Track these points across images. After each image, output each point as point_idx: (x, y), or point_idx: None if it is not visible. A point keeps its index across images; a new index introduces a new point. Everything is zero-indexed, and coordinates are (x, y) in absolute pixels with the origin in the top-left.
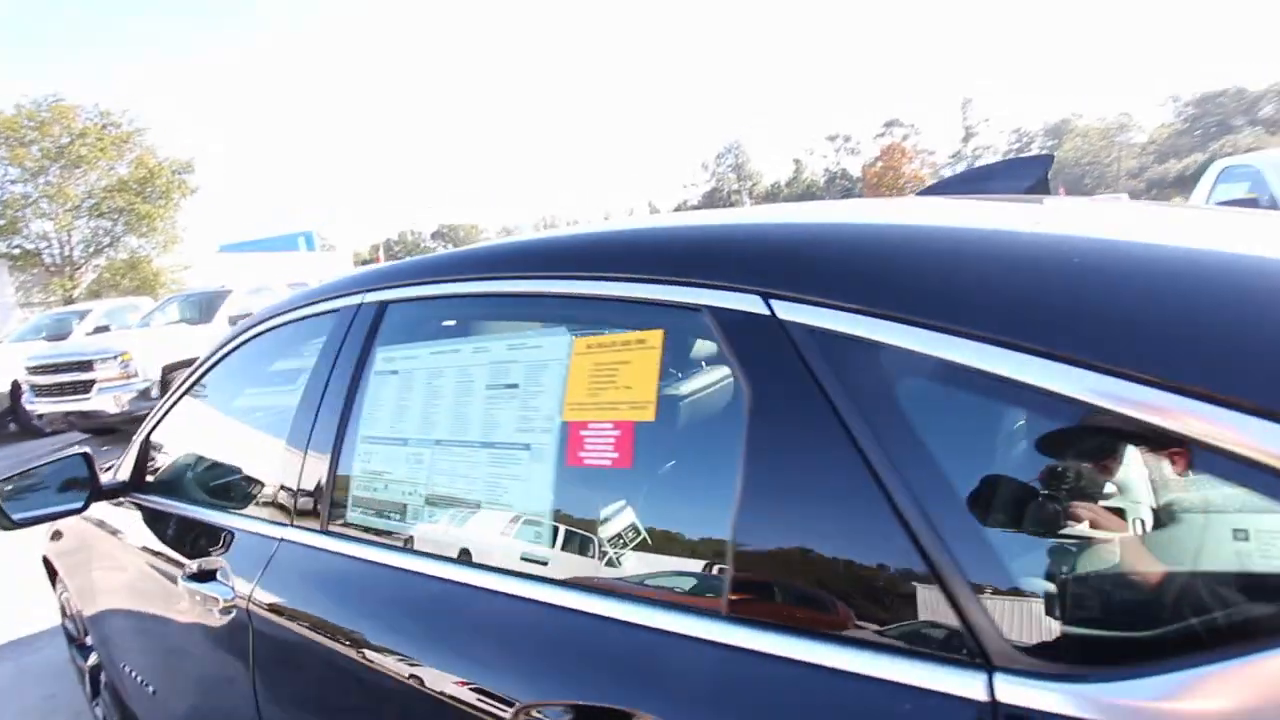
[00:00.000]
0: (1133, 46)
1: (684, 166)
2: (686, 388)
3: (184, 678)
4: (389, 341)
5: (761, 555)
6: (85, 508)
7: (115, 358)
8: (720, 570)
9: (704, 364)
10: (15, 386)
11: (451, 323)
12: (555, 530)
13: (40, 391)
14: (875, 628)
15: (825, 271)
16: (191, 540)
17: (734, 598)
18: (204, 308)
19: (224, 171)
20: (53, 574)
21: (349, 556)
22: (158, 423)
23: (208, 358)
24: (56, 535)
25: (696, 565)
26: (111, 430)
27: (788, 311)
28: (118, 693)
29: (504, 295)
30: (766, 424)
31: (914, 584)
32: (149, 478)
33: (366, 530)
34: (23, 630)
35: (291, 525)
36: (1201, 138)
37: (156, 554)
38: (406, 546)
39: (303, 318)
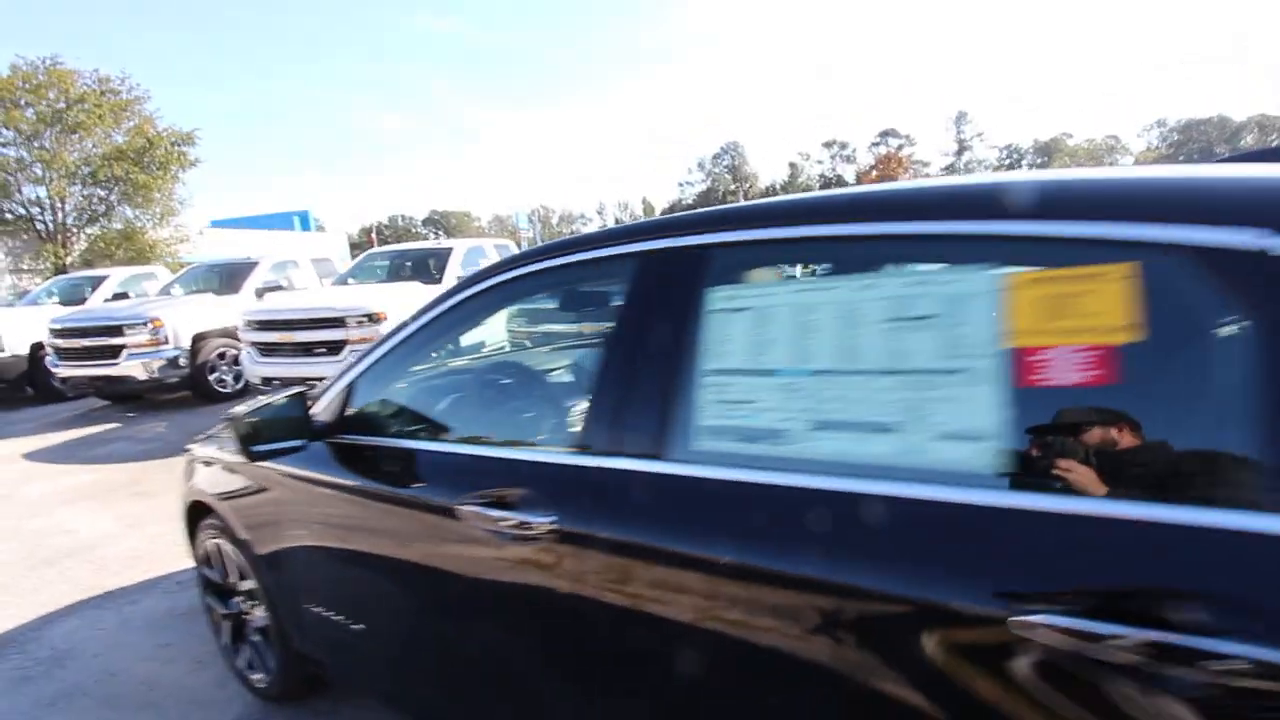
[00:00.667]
0: (1123, 71)
1: (678, 165)
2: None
3: (420, 611)
4: (728, 282)
5: None
6: (304, 447)
7: (146, 323)
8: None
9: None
10: (36, 349)
11: (818, 266)
12: (997, 445)
13: (64, 355)
14: None
15: None
16: (453, 474)
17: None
18: (228, 278)
19: (215, 145)
20: (198, 519)
21: (708, 479)
22: (367, 369)
23: (436, 307)
24: (212, 480)
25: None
26: (137, 396)
27: None
28: (285, 637)
29: (887, 237)
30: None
31: None
32: (365, 418)
33: (732, 455)
34: (111, 583)
35: (619, 454)
36: (1185, 163)
37: (395, 489)
38: (791, 468)
39: (568, 264)
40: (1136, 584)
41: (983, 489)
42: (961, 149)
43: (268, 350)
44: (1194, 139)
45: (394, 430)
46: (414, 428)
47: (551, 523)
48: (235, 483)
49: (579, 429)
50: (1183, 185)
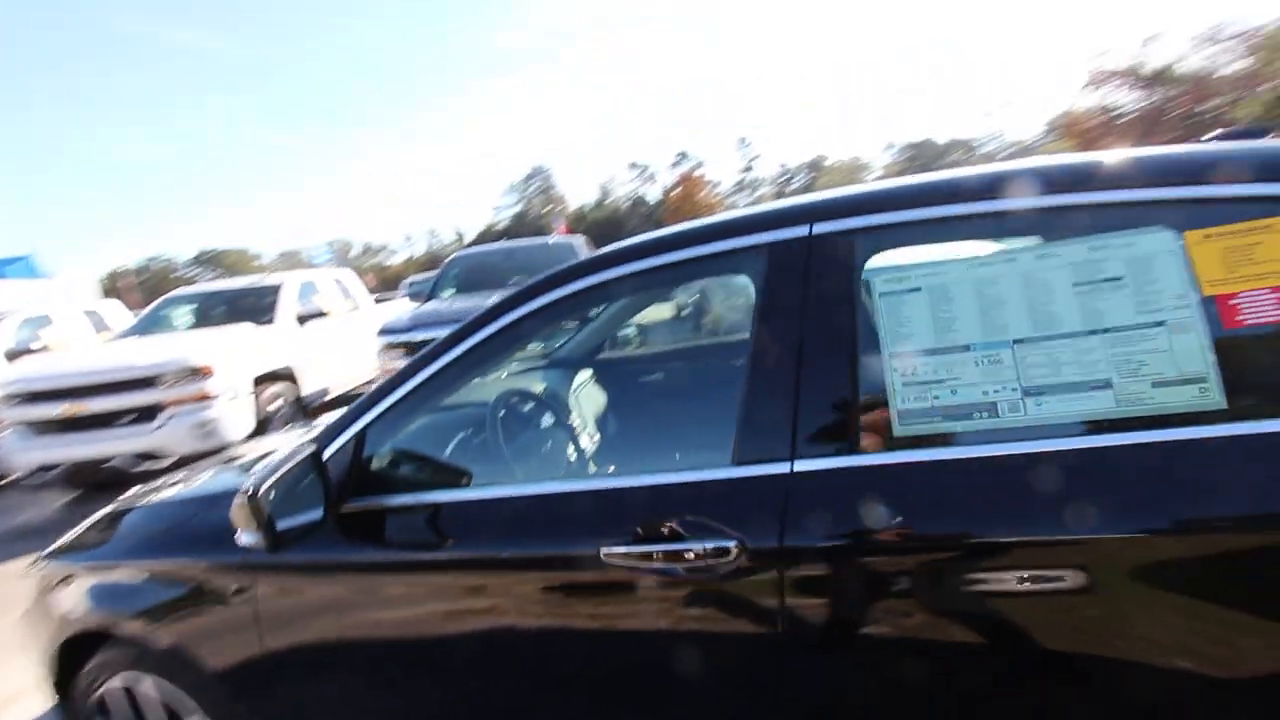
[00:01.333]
0: (865, 97)
1: (491, 188)
2: None
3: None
4: (895, 264)
5: None
6: (325, 519)
7: (192, 372)
8: None
9: None
10: None
11: (990, 241)
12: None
13: (44, 430)
14: None
15: None
16: (567, 517)
17: None
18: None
19: None
20: (78, 655)
21: (919, 463)
22: (387, 409)
23: (485, 327)
24: (118, 594)
25: None
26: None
27: None
28: None
29: (1071, 207)
30: None
31: None
32: (394, 471)
33: (942, 435)
34: None
35: (805, 457)
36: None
37: (481, 551)
38: (1014, 437)
39: (674, 263)
40: None
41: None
42: (747, 168)
43: (45, 429)
44: (916, 158)
45: (445, 480)
46: (480, 472)
47: (737, 546)
48: (179, 591)
49: (740, 439)
50: None
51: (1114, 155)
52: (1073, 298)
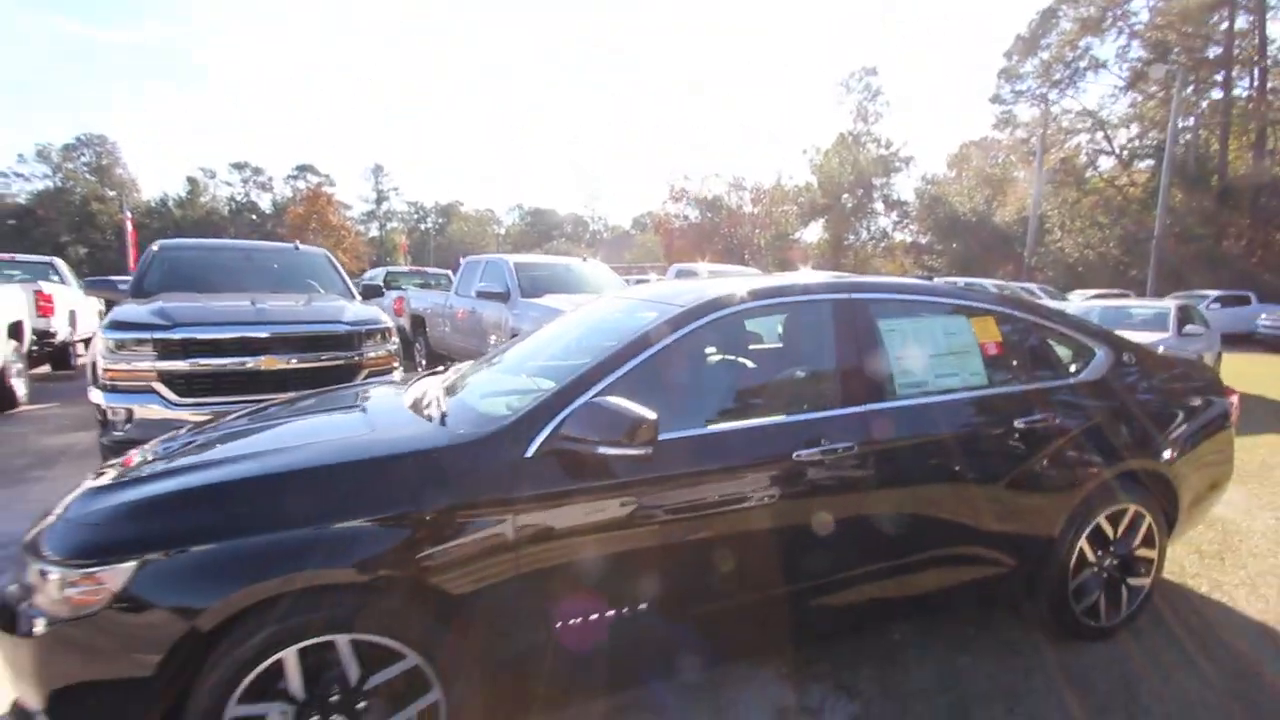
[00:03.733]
0: (504, 158)
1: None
2: None
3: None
4: (886, 315)
5: None
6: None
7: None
8: None
9: None
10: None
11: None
12: None
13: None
14: None
15: None
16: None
17: None
18: None
19: None
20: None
21: (903, 407)
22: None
23: (661, 335)
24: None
25: None
26: None
27: None
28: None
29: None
30: None
31: None
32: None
33: (894, 393)
34: None
35: (860, 402)
36: (536, 237)
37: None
38: (914, 396)
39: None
40: None
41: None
42: (380, 199)
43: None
44: (540, 222)
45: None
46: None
47: (848, 447)
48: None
49: (839, 395)
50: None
51: (938, 283)
52: (942, 339)
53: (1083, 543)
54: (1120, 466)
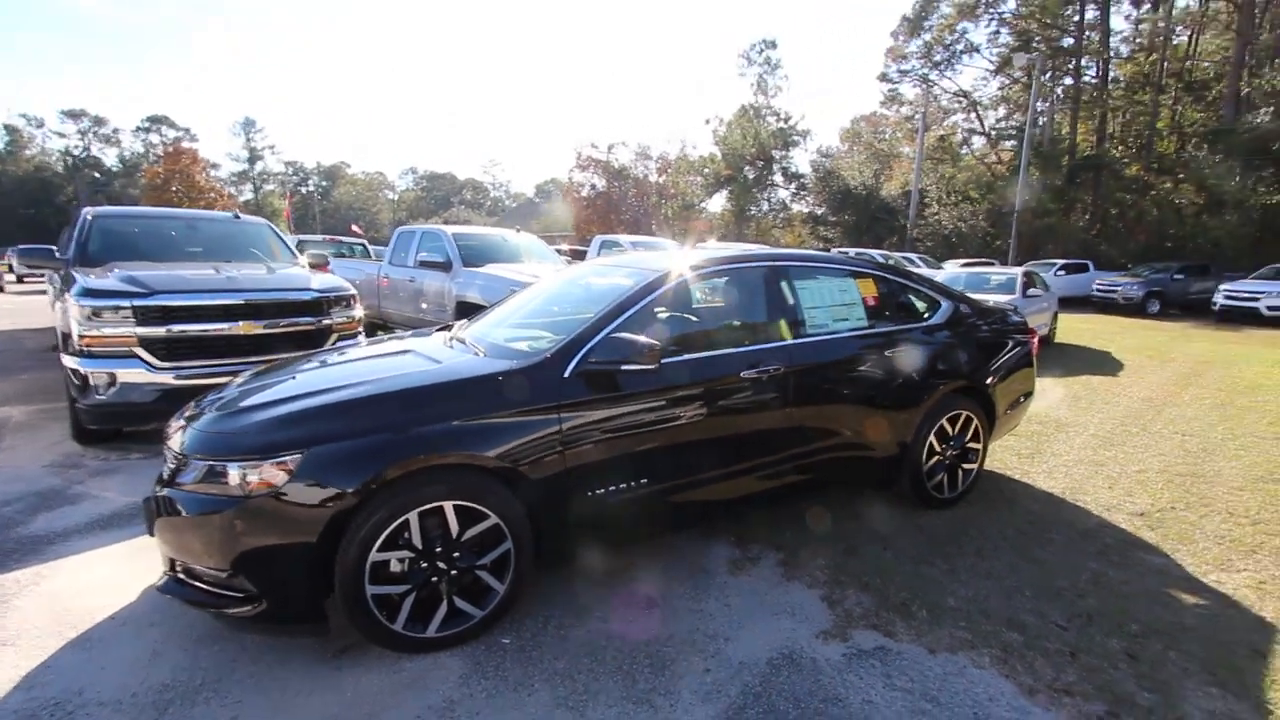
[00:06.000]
0: (391, 120)
1: None
2: None
3: (697, 443)
4: (800, 277)
5: None
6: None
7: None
8: None
9: None
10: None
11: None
12: None
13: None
14: None
15: None
16: (721, 364)
17: None
18: None
19: None
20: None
21: (810, 343)
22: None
23: (652, 288)
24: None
25: None
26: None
27: None
28: (542, 537)
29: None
30: None
31: None
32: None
33: (811, 330)
34: None
35: (773, 340)
36: (433, 204)
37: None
38: (821, 335)
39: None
40: None
41: None
42: (254, 158)
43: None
44: (437, 187)
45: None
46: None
47: (776, 369)
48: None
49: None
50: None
51: (847, 255)
52: (837, 294)
53: (932, 438)
54: (956, 383)
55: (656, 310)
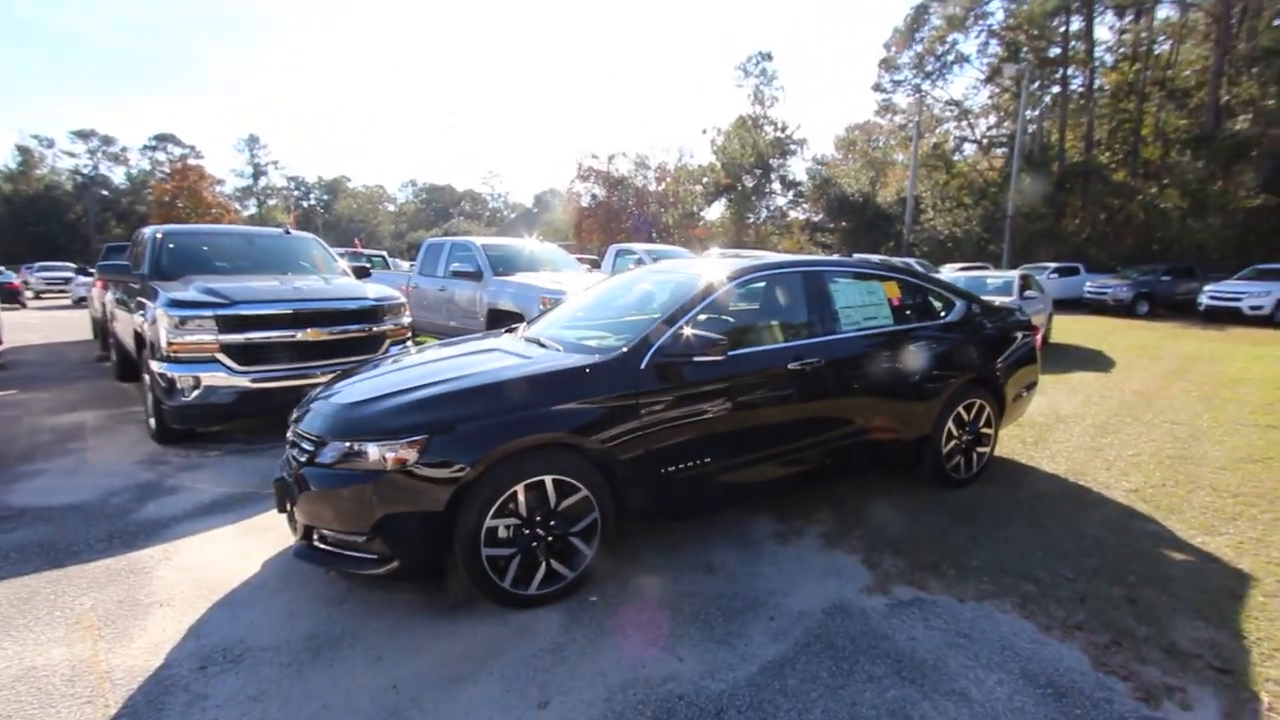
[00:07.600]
0: (391, 132)
1: None
2: None
3: (746, 430)
4: (833, 280)
5: None
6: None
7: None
8: None
9: None
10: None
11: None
12: None
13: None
14: None
15: None
16: (767, 359)
17: None
18: None
19: None
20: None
21: (849, 337)
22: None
23: (710, 290)
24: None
25: None
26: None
27: None
28: (623, 505)
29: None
30: None
31: None
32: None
33: (839, 325)
34: None
35: (809, 338)
36: (433, 216)
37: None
38: (855, 331)
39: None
40: None
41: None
42: (258, 173)
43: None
44: (436, 199)
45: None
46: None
47: (817, 361)
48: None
49: (806, 335)
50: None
51: (868, 258)
52: (866, 295)
53: (950, 424)
54: (971, 374)
55: (714, 310)
